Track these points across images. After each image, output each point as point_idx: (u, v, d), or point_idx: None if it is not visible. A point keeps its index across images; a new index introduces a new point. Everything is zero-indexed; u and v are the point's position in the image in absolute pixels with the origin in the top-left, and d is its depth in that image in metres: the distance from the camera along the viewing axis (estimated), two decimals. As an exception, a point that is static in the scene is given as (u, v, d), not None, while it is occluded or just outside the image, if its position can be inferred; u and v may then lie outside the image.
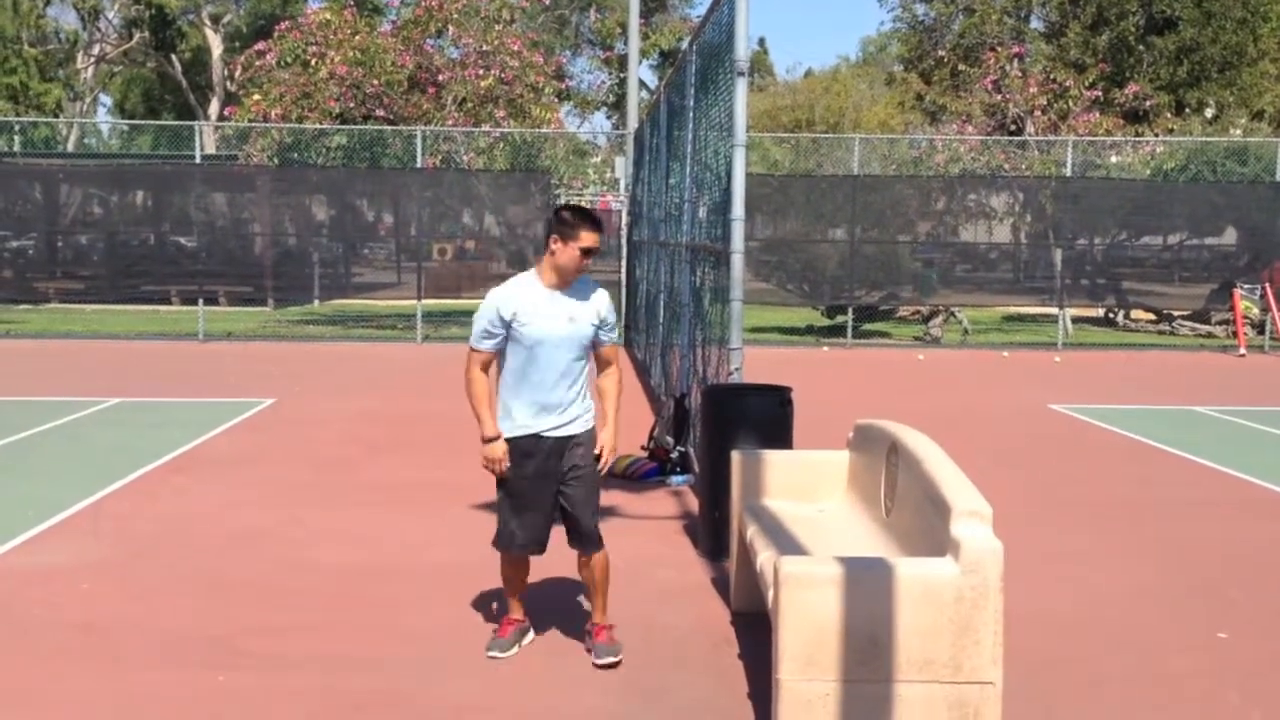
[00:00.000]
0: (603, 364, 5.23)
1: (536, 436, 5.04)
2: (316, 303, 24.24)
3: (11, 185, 22.13)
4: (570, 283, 5.03)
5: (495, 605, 5.86)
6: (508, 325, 4.95)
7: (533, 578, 6.30)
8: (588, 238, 4.95)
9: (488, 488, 8.38)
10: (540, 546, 5.17)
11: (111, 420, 11.37)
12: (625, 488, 8.52)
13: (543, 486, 5.07)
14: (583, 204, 27.30)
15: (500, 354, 5.04)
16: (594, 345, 5.12)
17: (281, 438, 10.51)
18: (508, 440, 5.04)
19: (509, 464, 5.05)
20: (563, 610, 5.76)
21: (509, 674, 5.03)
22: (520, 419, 5.04)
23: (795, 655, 4.13)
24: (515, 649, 5.24)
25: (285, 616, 5.74)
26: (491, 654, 5.17)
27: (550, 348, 4.98)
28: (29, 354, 16.98)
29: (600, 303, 5.10)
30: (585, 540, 5.14)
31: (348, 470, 9.17)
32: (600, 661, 5.10)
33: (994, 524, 4.22)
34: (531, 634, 5.38)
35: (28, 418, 11.17)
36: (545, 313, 4.97)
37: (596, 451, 5.14)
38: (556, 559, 6.67)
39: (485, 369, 5.04)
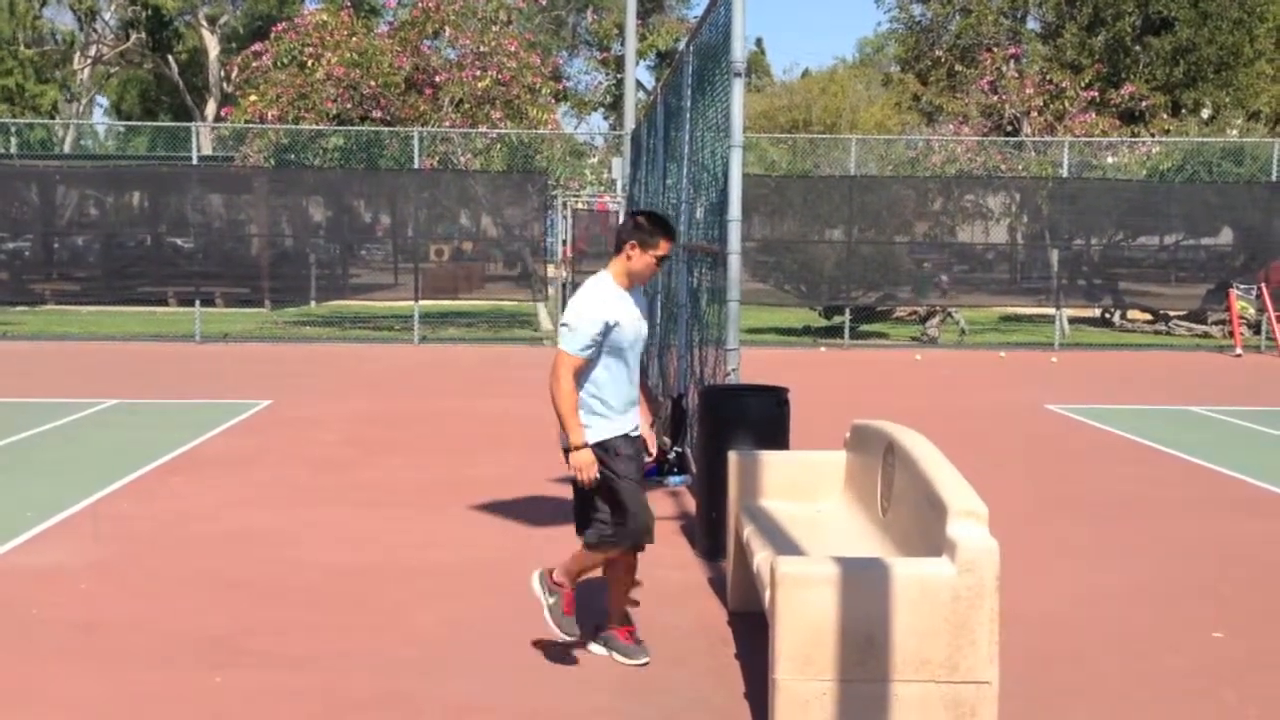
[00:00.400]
0: None
1: (625, 436, 5.13)
2: (313, 304, 24.23)
3: (8, 187, 22.10)
4: (631, 286, 5.18)
5: (494, 604, 5.88)
6: (608, 331, 5.00)
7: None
8: (665, 246, 5.12)
9: (485, 488, 8.42)
10: None
11: (109, 421, 11.38)
12: (623, 488, 8.52)
13: None
14: (579, 204, 27.33)
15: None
16: None
17: (279, 438, 10.52)
18: (607, 441, 5.06)
19: (623, 458, 5.07)
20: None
21: (508, 673, 5.04)
22: (615, 420, 5.09)
23: (792, 655, 4.15)
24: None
25: (284, 616, 5.76)
26: (567, 634, 5.11)
27: (636, 347, 5.14)
28: (26, 355, 16.98)
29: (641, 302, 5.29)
30: None
31: (346, 470, 9.18)
32: (638, 661, 5.15)
33: (990, 523, 4.24)
34: None
35: (25, 419, 11.17)
36: (631, 314, 5.10)
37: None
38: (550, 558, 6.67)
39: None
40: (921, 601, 4.11)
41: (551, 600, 5.13)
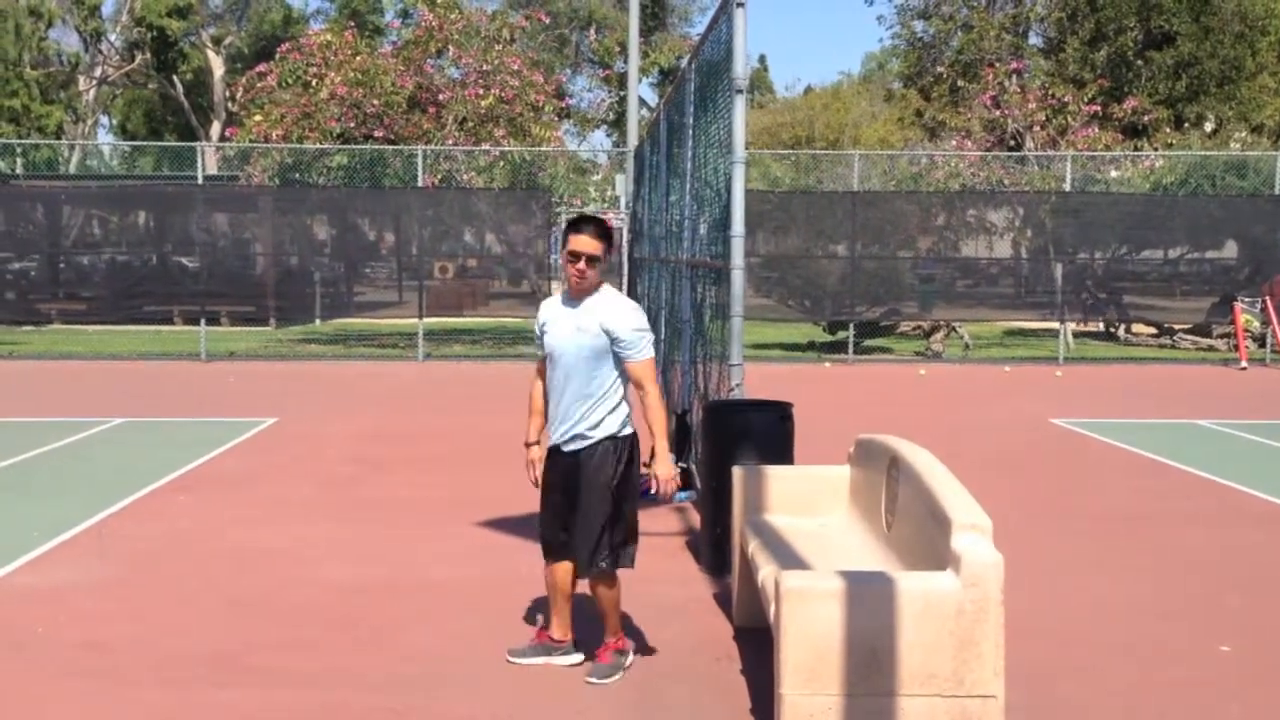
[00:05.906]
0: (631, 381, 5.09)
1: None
2: (318, 322, 24.29)
3: (14, 207, 22.20)
4: (578, 293, 5.07)
5: (496, 622, 5.88)
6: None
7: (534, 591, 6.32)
8: (574, 241, 5.02)
9: (489, 506, 8.42)
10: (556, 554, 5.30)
11: (115, 440, 11.40)
12: (627, 504, 8.51)
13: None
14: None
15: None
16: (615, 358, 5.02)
17: (284, 456, 10.53)
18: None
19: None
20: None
21: (510, 691, 5.03)
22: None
23: (797, 669, 4.14)
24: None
25: (288, 633, 5.75)
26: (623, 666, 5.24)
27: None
28: (32, 375, 17.01)
29: (604, 313, 4.99)
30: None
31: (351, 488, 9.18)
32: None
33: (995, 537, 4.24)
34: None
35: (31, 438, 11.19)
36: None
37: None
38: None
39: None
40: (926, 615, 4.11)
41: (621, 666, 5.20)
